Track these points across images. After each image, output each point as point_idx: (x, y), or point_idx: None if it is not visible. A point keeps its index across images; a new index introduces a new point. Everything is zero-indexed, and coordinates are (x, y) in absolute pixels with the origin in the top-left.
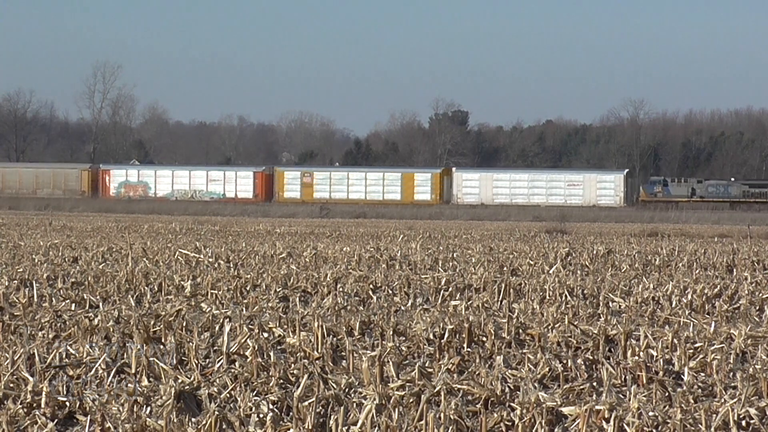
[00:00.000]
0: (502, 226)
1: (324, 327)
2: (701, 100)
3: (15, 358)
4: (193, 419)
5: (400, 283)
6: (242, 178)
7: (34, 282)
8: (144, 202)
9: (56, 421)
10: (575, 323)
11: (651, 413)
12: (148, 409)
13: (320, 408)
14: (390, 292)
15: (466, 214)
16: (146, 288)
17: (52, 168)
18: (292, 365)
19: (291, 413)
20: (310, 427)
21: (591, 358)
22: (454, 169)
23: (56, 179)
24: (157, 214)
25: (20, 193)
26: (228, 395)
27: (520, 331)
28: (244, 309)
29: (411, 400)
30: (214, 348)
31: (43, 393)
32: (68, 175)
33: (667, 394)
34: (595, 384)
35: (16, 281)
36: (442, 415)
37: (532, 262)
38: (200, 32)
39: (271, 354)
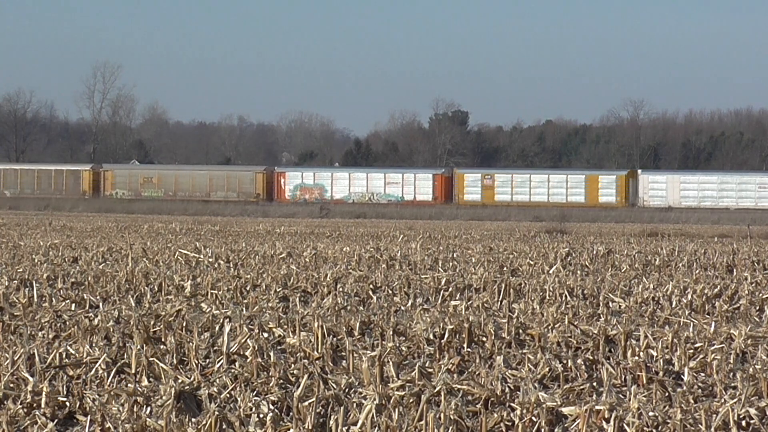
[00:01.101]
0: (502, 226)
1: (324, 327)
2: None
3: (15, 358)
4: (193, 419)
5: (400, 283)
6: (421, 180)
7: (34, 282)
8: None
9: (56, 421)
10: (575, 323)
11: (651, 413)
12: (148, 409)
13: (320, 408)
14: (390, 292)
15: (467, 214)
16: (146, 288)
17: (227, 171)
18: (292, 365)
19: (291, 413)
20: (310, 427)
21: (591, 358)
22: (639, 171)
23: (230, 182)
24: (157, 214)
25: (194, 196)
26: (228, 395)
27: (520, 331)
28: (244, 309)
29: (411, 400)
30: (214, 348)
31: (43, 393)
32: (242, 178)
33: (667, 394)
34: (595, 384)
35: (16, 281)
36: (442, 415)
37: (532, 262)
38: (200, 32)
39: (271, 354)
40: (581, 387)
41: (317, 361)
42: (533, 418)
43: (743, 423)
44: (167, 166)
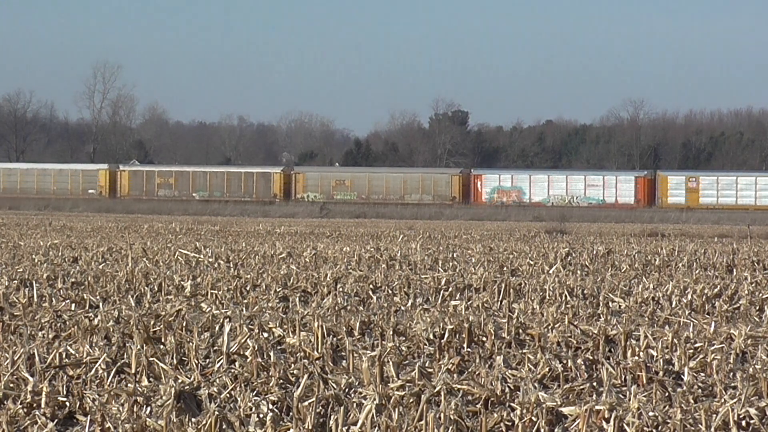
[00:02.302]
0: (502, 226)
1: (324, 327)
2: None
3: (15, 358)
4: (193, 419)
5: (400, 283)
6: (623, 182)
7: (34, 282)
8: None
9: (56, 421)
10: (575, 323)
11: (651, 413)
12: (148, 409)
13: (320, 408)
14: (390, 292)
15: (467, 214)
16: (146, 288)
17: (422, 173)
18: (292, 365)
19: (291, 413)
20: (310, 427)
21: (591, 358)
22: None
23: (425, 184)
24: (157, 215)
25: (388, 199)
26: (228, 395)
27: (520, 331)
28: (244, 309)
29: (411, 400)
30: (214, 348)
31: (43, 393)
32: (438, 180)
33: (667, 394)
34: (595, 384)
35: (16, 281)
36: (442, 415)
37: (532, 262)
38: (200, 32)
39: (271, 354)
40: (581, 387)
41: (317, 361)
42: (533, 418)
43: (743, 423)
44: (360, 169)
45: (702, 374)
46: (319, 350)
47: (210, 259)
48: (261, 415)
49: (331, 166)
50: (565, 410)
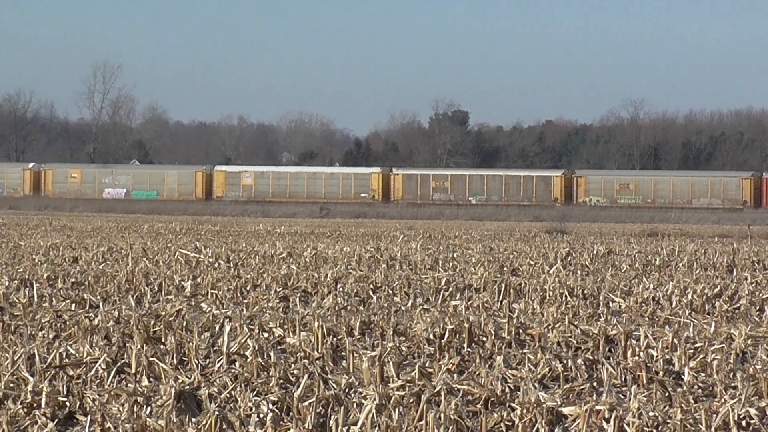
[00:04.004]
0: (502, 226)
1: (324, 327)
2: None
3: (15, 358)
4: (193, 419)
5: (400, 283)
6: None
7: (34, 282)
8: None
9: (56, 421)
10: (575, 323)
11: (651, 413)
12: (148, 409)
13: (320, 408)
14: (390, 292)
15: (467, 214)
16: (146, 288)
17: (709, 176)
18: (292, 365)
19: (291, 413)
20: (310, 427)
21: (591, 358)
22: None
23: (713, 188)
24: (157, 215)
25: (674, 203)
26: (228, 395)
27: (520, 331)
28: (244, 309)
29: (411, 400)
30: (214, 348)
31: (43, 393)
32: (727, 184)
33: (667, 394)
34: (595, 384)
35: (16, 281)
36: (442, 415)
37: (532, 262)
38: (200, 32)
39: (271, 354)
40: (581, 387)
41: (317, 361)
42: (533, 418)
43: (743, 423)
44: (644, 172)
45: (702, 374)
46: (319, 350)
47: (210, 259)
48: (261, 415)
49: (613, 170)
50: (565, 410)
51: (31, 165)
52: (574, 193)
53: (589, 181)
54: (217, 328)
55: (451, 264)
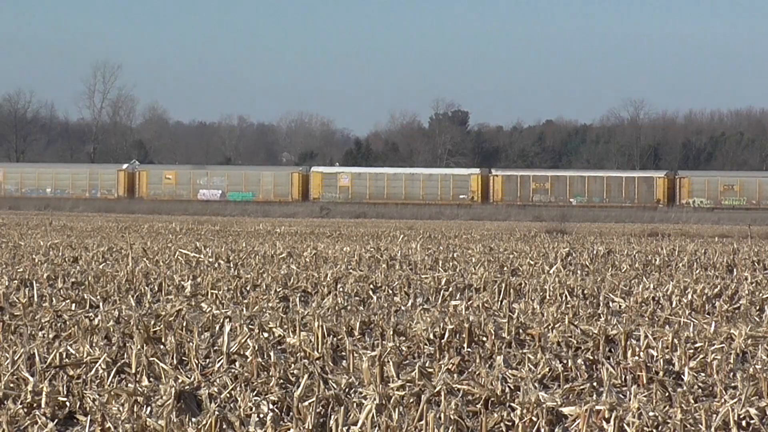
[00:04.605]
0: (502, 226)
1: (324, 327)
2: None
3: (15, 358)
4: (193, 419)
5: (400, 283)
6: None
7: (34, 282)
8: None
9: (56, 421)
10: (575, 323)
11: (651, 413)
12: (148, 409)
13: (320, 408)
14: (390, 292)
15: (467, 214)
16: (146, 288)
17: None
18: (292, 365)
19: (291, 413)
20: (310, 427)
21: (591, 358)
22: None
23: None
24: (157, 214)
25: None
26: (228, 395)
27: (520, 331)
28: (244, 309)
29: (411, 400)
30: (214, 348)
31: (43, 393)
32: None
33: (667, 394)
34: (595, 384)
35: (16, 281)
36: (442, 415)
37: (532, 262)
38: (200, 32)
39: (271, 354)
40: (581, 387)
41: (317, 361)
42: (533, 418)
43: (743, 423)
44: (749, 173)
45: (702, 374)
46: (319, 350)
47: (210, 259)
48: (261, 415)
49: (717, 170)
50: (565, 410)
51: (125, 166)
52: (677, 195)
53: (693, 182)
54: (217, 328)
55: (451, 264)
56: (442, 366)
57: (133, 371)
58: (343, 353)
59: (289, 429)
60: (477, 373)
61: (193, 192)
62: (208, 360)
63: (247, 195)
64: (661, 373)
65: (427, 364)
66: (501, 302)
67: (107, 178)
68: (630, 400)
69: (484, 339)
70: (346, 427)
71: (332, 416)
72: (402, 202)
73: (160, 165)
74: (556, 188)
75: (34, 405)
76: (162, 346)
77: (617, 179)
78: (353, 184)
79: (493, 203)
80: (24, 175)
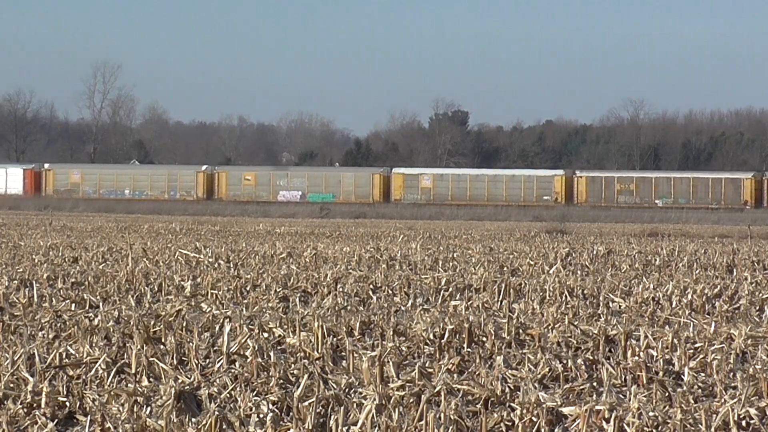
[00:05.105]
0: (502, 226)
1: (324, 327)
2: (701, 100)
3: (15, 358)
4: (193, 419)
5: (400, 283)
6: None
7: (34, 282)
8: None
9: (56, 421)
10: (575, 323)
11: (651, 413)
12: (148, 409)
13: (320, 408)
14: (390, 292)
15: (467, 214)
16: (146, 288)
17: None
18: (292, 365)
19: (291, 413)
20: (310, 427)
21: (591, 358)
22: None
23: None
24: (157, 215)
25: None
26: (228, 395)
27: (520, 331)
28: (244, 309)
29: (411, 400)
30: (214, 348)
31: (43, 393)
32: None
33: (667, 394)
34: (595, 384)
35: (16, 281)
36: (442, 415)
37: (532, 262)
38: (200, 32)
39: (271, 354)
40: (581, 387)
41: (317, 361)
42: (533, 418)
43: (743, 423)
44: None
45: (702, 374)
46: (319, 350)
47: (210, 259)
48: (261, 415)
49: None
50: (565, 410)
51: (204, 167)
52: (764, 196)
53: None
54: (217, 328)
55: (451, 264)
56: (442, 366)
57: (133, 371)
58: (343, 353)
59: (289, 429)
60: (477, 373)
61: (272, 193)
62: (208, 360)
63: (328, 196)
64: (661, 373)
65: (427, 365)
66: (501, 302)
67: (186, 179)
68: (630, 400)
69: (484, 339)
70: (346, 427)
71: (332, 416)
72: (484, 204)
73: (239, 166)
74: (641, 189)
75: (34, 405)
76: (162, 347)
77: (704, 180)
78: (435, 185)
79: (578, 204)
80: (102, 176)
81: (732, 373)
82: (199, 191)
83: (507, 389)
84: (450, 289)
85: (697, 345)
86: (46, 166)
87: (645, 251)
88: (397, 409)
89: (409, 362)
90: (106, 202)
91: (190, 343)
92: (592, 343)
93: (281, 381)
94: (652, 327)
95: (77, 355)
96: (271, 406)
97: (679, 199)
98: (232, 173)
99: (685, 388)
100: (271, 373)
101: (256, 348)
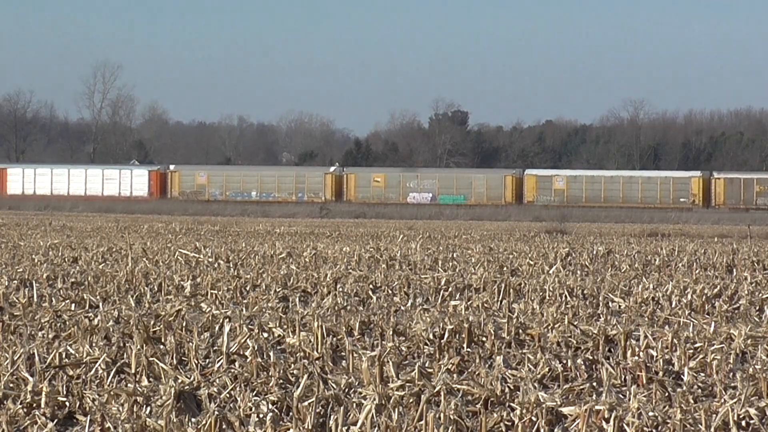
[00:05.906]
0: (502, 226)
1: (324, 327)
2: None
3: (15, 358)
4: (193, 419)
5: (400, 283)
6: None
7: (34, 282)
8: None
9: (56, 421)
10: (575, 323)
11: (651, 413)
12: (148, 409)
13: (320, 408)
14: (390, 292)
15: (467, 214)
16: (146, 288)
17: None
18: (292, 365)
19: (291, 413)
20: (310, 427)
21: (591, 358)
22: None
23: None
24: (156, 214)
25: None
26: (228, 395)
27: (520, 331)
28: (244, 309)
29: (411, 400)
30: (214, 348)
31: (43, 393)
32: None
33: (667, 394)
34: (595, 384)
35: (16, 281)
36: (442, 415)
37: (532, 262)
38: (200, 32)
39: (271, 354)
40: (581, 387)
41: (317, 361)
42: (533, 418)
43: (743, 423)
44: None
45: (702, 374)
46: (319, 350)
47: (210, 259)
48: (261, 415)
49: None
50: (565, 410)
51: (332, 169)
52: None
53: None
54: (217, 328)
55: (450, 264)
56: (442, 366)
57: (133, 371)
58: (343, 353)
59: (288, 429)
60: (477, 373)
61: (402, 195)
62: (207, 360)
63: (459, 198)
64: (660, 373)
65: (426, 364)
66: (501, 302)
67: (314, 180)
68: (630, 400)
69: (484, 339)
70: (346, 427)
71: (332, 416)
72: (619, 206)
73: (368, 168)
74: None
75: (34, 405)
76: (162, 346)
77: None
78: (568, 186)
79: (715, 206)
80: (228, 178)
81: (732, 373)
82: (328, 193)
83: (507, 389)
84: (450, 289)
85: (696, 345)
86: (172, 167)
87: (645, 251)
88: (396, 409)
89: (408, 362)
90: (233, 204)
91: (190, 343)
92: (592, 343)
93: (281, 381)
94: (652, 327)
95: (77, 355)
96: (270, 406)
97: None
98: (361, 175)
99: (684, 388)
100: (270, 373)
101: (256, 348)
